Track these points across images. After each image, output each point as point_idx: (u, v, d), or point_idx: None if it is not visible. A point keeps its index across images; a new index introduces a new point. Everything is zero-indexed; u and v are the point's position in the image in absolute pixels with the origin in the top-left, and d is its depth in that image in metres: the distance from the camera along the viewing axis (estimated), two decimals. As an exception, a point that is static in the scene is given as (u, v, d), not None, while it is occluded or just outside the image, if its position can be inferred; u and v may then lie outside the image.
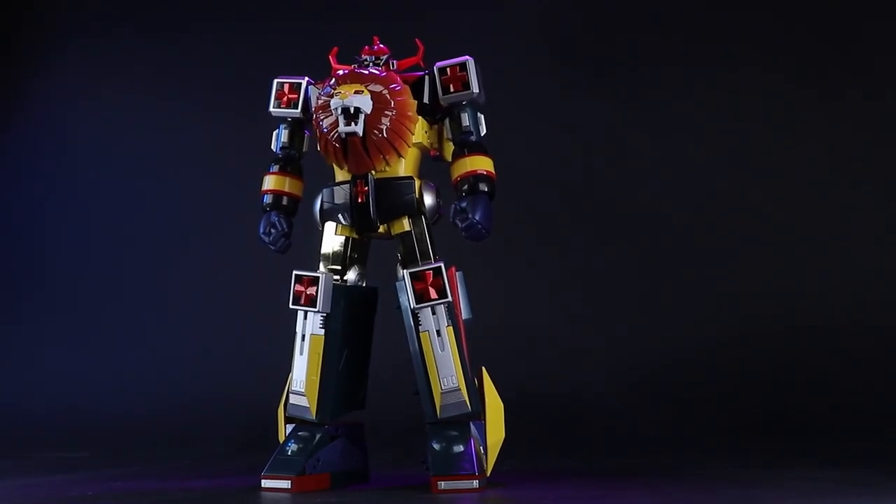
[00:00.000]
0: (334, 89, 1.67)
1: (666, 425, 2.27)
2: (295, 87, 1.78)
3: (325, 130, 1.68)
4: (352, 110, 1.63)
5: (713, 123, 2.57)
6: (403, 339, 1.79)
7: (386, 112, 1.66)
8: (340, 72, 1.72)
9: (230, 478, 1.88)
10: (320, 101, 1.70)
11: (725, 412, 2.29)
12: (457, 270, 1.70)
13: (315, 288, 1.69)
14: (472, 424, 1.66)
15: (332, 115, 1.66)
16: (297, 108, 1.77)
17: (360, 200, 1.70)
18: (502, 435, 1.69)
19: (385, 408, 1.90)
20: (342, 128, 1.64)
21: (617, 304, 2.52)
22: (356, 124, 1.64)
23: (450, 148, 1.77)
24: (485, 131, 1.75)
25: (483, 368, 1.70)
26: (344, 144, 1.66)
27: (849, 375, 2.31)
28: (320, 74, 1.80)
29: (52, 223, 2.91)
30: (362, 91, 1.65)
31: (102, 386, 2.70)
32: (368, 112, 1.64)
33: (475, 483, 1.59)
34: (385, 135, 1.66)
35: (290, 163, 1.81)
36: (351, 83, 1.66)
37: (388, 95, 1.67)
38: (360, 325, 1.76)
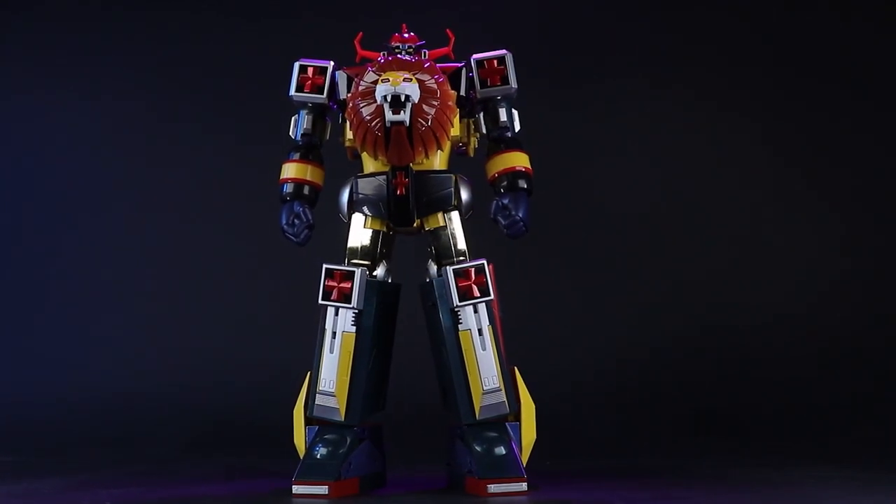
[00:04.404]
0: (379, 75, 1.60)
1: (627, 425, 2.30)
2: (320, 71, 1.69)
3: (367, 118, 1.59)
4: (402, 98, 1.56)
5: (665, 132, 2.61)
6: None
7: (432, 102, 1.60)
8: (381, 58, 1.65)
9: (234, 483, 1.78)
10: (361, 88, 1.61)
11: (689, 410, 2.32)
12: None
13: (349, 283, 1.61)
14: (507, 425, 1.63)
15: (373, 102, 1.59)
16: (322, 92, 1.68)
17: (399, 193, 1.63)
18: (534, 435, 1.65)
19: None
20: (390, 116, 1.57)
21: (570, 306, 2.53)
22: (404, 113, 1.57)
23: (474, 143, 1.74)
24: (519, 127, 1.72)
25: (515, 368, 1.67)
26: (386, 133, 1.59)
27: (798, 372, 2.39)
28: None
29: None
30: (411, 79, 1.58)
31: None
32: (416, 101, 1.58)
33: (524, 486, 1.56)
34: (430, 125, 1.60)
35: (311, 150, 1.72)
36: (398, 70, 1.59)
37: (434, 85, 1.61)
38: (387, 323, 1.69)
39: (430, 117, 1.60)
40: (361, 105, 1.60)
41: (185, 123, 2.63)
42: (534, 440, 1.65)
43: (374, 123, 1.59)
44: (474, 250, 1.67)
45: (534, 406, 1.65)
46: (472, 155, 1.76)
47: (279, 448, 1.89)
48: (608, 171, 2.57)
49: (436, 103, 1.60)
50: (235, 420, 2.35)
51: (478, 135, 1.73)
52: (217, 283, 2.57)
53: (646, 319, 2.47)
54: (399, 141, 1.59)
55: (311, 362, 1.66)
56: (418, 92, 1.58)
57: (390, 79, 1.57)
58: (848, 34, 2.60)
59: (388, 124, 1.58)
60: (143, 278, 2.60)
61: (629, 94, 2.59)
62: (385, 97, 1.57)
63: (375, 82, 1.59)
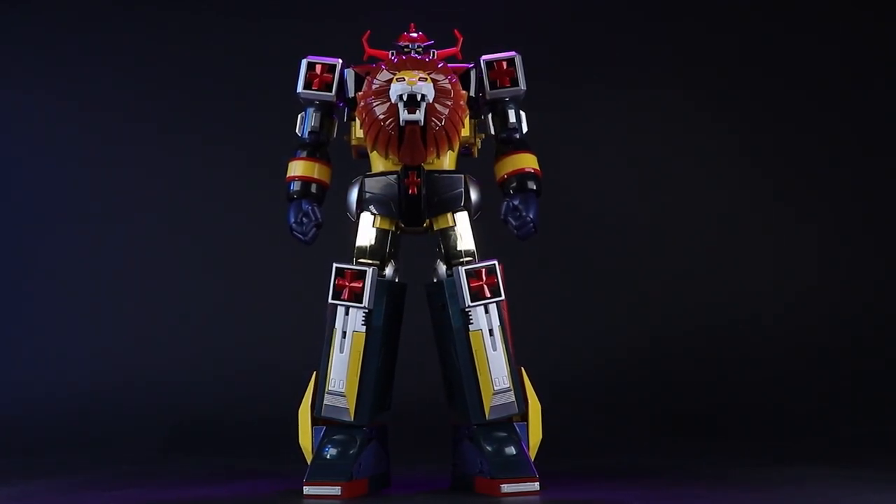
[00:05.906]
0: (394, 74, 1.59)
1: (627, 425, 2.30)
2: (329, 69, 1.68)
3: (380, 117, 1.59)
4: (418, 97, 1.56)
5: (665, 132, 2.62)
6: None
7: (446, 102, 1.60)
8: (393, 57, 1.65)
9: (235, 484, 1.76)
10: (375, 86, 1.61)
11: (673, 411, 2.33)
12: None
13: (361, 282, 1.61)
14: (515, 425, 1.63)
15: (387, 101, 1.58)
16: (330, 90, 1.68)
17: (411, 192, 1.63)
18: (540, 436, 1.66)
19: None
20: (405, 115, 1.56)
21: (569, 306, 2.53)
22: (419, 112, 1.57)
23: (479, 143, 1.74)
24: (526, 129, 1.73)
25: (522, 368, 1.67)
26: (400, 133, 1.59)
27: (798, 372, 2.40)
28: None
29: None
30: (426, 78, 1.58)
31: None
32: (431, 101, 1.58)
33: (537, 485, 1.56)
34: (444, 125, 1.60)
35: (318, 148, 1.71)
36: (412, 69, 1.59)
37: (448, 85, 1.61)
38: (395, 323, 1.68)
39: (443, 117, 1.60)
40: (375, 104, 1.60)
41: (185, 122, 2.61)
42: (539, 440, 1.66)
43: (387, 122, 1.59)
44: (480, 251, 1.67)
45: (539, 406, 1.66)
46: (476, 156, 1.76)
47: (277, 448, 1.89)
48: (607, 172, 2.58)
49: (449, 103, 1.60)
50: (234, 421, 2.34)
51: (482, 135, 1.74)
52: (217, 283, 2.56)
53: (645, 319, 2.48)
54: (413, 140, 1.59)
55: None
56: (433, 91, 1.58)
57: (406, 78, 1.57)
58: (834, 43, 2.62)
59: (402, 123, 1.57)
60: (144, 278, 2.58)
61: (629, 95, 2.60)
62: (401, 96, 1.56)
63: (390, 81, 1.59)
